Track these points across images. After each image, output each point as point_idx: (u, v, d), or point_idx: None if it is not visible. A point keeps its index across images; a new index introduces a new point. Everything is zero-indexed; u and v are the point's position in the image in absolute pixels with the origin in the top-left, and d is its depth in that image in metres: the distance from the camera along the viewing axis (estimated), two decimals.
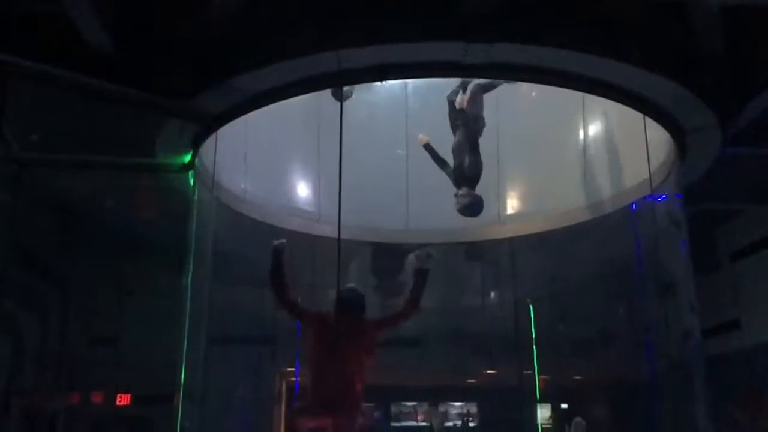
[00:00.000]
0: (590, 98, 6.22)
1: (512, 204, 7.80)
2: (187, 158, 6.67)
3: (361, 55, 5.22)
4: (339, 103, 5.96)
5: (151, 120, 6.19)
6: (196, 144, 6.46)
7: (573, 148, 7.47)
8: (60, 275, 9.93)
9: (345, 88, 6.00)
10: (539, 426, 8.78)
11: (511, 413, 9.44)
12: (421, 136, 6.42)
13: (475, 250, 8.33)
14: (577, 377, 9.87)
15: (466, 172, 6.12)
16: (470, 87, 6.19)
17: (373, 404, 10.71)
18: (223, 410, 7.99)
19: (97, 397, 10.00)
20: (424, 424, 10.75)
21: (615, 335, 8.61)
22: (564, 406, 10.07)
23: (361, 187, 7.13)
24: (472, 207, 6.13)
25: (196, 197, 6.90)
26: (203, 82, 5.64)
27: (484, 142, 6.26)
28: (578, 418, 6.05)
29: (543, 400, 8.93)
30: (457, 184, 6.22)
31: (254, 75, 5.47)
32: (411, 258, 5.46)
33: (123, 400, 9.96)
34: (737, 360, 9.40)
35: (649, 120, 6.02)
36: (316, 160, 7.23)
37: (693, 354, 6.76)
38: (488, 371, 10.20)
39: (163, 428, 8.90)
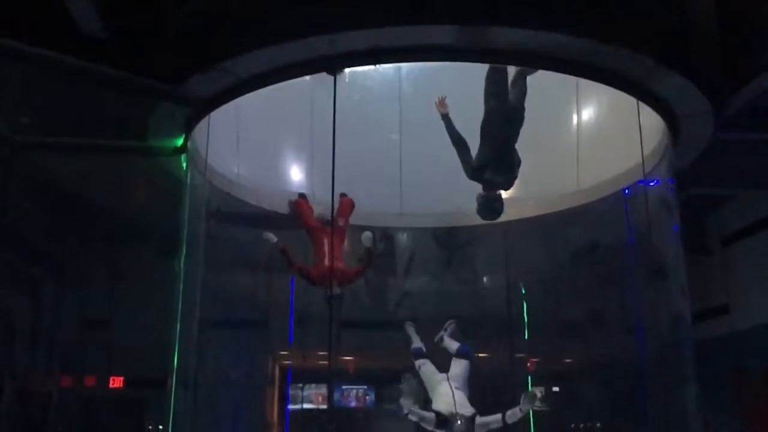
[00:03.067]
0: (584, 83, 6.21)
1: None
2: (180, 142, 6.65)
3: (355, 38, 5.20)
4: (333, 81, 5.90)
5: (143, 103, 6.15)
6: (188, 127, 6.43)
7: (566, 133, 7.47)
8: (52, 259, 9.92)
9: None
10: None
11: (502, 396, 9.50)
12: (441, 100, 5.71)
13: (469, 235, 8.36)
14: (568, 360, 9.94)
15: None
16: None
17: (364, 387, 10.77)
18: (216, 393, 8.02)
19: (89, 380, 10.02)
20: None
21: (606, 319, 8.67)
22: (555, 389, 10.14)
23: (355, 170, 7.13)
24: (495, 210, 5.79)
25: (188, 181, 6.88)
26: (195, 65, 5.61)
27: (478, 128, 6.24)
28: (532, 391, 6.07)
29: (534, 383, 8.99)
30: (476, 175, 5.67)
31: (246, 58, 5.44)
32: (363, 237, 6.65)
33: (116, 383, 9.99)
34: (726, 344, 9.48)
35: (642, 105, 6.03)
36: (309, 144, 7.20)
37: (682, 337, 6.82)
38: (480, 354, 10.25)
39: (156, 411, 8.95)
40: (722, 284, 9.62)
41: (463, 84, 6.38)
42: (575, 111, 7.25)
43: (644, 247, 7.07)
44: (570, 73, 5.78)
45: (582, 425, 10.21)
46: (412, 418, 5.86)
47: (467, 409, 5.89)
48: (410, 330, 6.97)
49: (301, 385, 10.43)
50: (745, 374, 9.38)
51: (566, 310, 8.99)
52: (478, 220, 6.24)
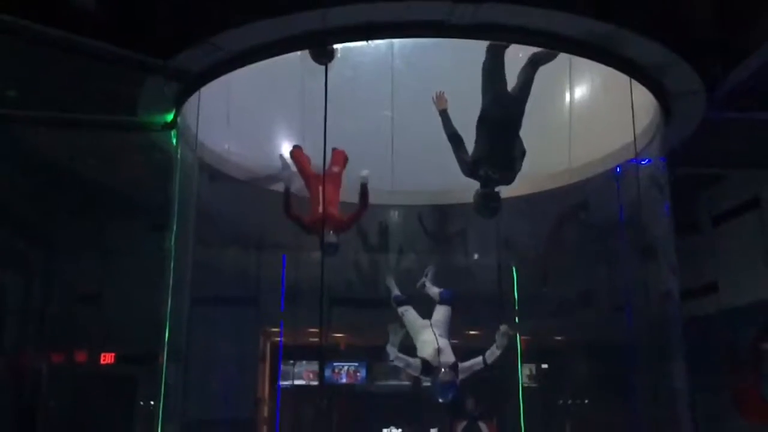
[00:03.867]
0: (576, 61, 6.18)
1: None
2: (170, 117, 6.60)
3: (347, 13, 5.15)
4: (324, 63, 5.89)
5: (132, 78, 6.09)
6: (178, 103, 6.38)
7: (559, 111, 7.45)
8: (42, 234, 9.87)
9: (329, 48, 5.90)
10: (521, 385, 8.92)
11: (493, 373, 9.58)
12: (440, 95, 5.65)
13: (461, 212, 8.36)
14: (558, 338, 10.02)
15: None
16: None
17: (356, 364, 10.83)
18: (208, 370, 8.05)
19: (80, 356, 10.02)
20: (406, 383, 10.89)
21: (596, 297, 8.73)
22: (545, 366, 10.23)
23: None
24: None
25: (178, 156, 6.84)
26: (185, 40, 5.55)
27: (470, 105, 6.21)
28: (504, 327, 6.15)
29: (525, 360, 9.07)
30: (472, 172, 5.51)
31: (237, 33, 5.39)
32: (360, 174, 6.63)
33: (107, 359, 10.00)
34: (714, 322, 9.56)
35: (634, 84, 6.01)
36: (301, 120, 7.17)
37: (671, 315, 6.87)
38: (471, 332, 10.31)
39: (147, 387, 8.98)
40: (711, 263, 9.68)
41: (456, 61, 6.36)
42: (568, 89, 7.23)
43: (635, 226, 7.10)
44: (563, 51, 5.76)
45: (570, 401, 10.33)
46: (399, 364, 5.98)
47: (450, 357, 5.96)
48: (391, 283, 6.99)
49: (292, 361, 10.48)
50: (733, 352, 9.47)
51: (556, 288, 9.05)
52: (468, 198, 6.24)
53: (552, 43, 5.59)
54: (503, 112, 5.53)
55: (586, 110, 7.25)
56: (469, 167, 5.50)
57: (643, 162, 6.84)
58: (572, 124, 7.34)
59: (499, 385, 9.22)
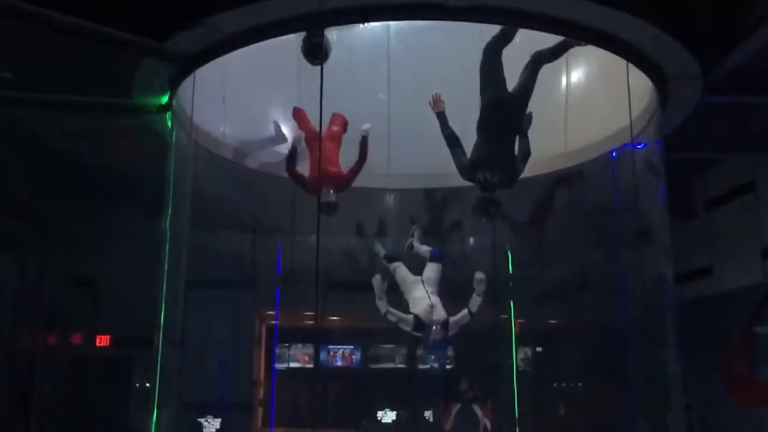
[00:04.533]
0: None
1: None
2: (164, 99, 6.57)
3: None
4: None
5: (127, 60, 6.06)
6: (173, 85, 6.35)
7: (555, 95, 7.44)
8: (37, 217, 9.84)
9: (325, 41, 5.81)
10: (515, 368, 8.97)
11: (487, 356, 9.63)
12: (437, 98, 5.65)
13: (455, 196, 8.36)
14: (553, 321, 10.06)
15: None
16: None
17: (351, 347, 10.87)
18: (203, 352, 8.08)
19: (76, 339, 10.03)
20: (401, 366, 10.94)
21: (591, 280, 8.76)
22: (539, 349, 10.29)
23: None
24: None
25: (173, 139, 6.82)
26: (180, 21, 5.51)
27: (466, 89, 6.19)
28: (479, 274, 6.19)
29: (519, 343, 9.11)
30: (470, 175, 5.41)
31: (233, 14, 5.35)
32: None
33: (102, 341, 10.01)
34: (708, 306, 9.62)
35: (631, 67, 6.00)
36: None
37: (665, 299, 6.91)
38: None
39: (143, 369, 9.00)
40: (705, 247, 9.72)
41: (452, 44, 6.33)
42: (564, 72, 7.22)
43: (630, 210, 7.11)
44: (560, 34, 5.74)
45: (564, 384, 10.40)
46: (391, 318, 5.99)
47: (442, 314, 6.02)
48: (378, 247, 6.99)
49: (287, 344, 10.52)
50: (726, 336, 9.54)
51: (551, 272, 9.08)
52: (464, 182, 6.24)
53: (548, 26, 5.57)
54: (503, 113, 5.39)
55: (583, 94, 7.25)
56: (468, 170, 5.39)
57: (639, 146, 6.85)
58: (568, 109, 7.34)
59: (494, 368, 9.28)
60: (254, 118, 7.56)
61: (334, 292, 8.53)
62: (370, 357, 10.96)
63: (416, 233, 6.99)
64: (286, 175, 7.09)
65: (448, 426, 8.81)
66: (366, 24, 5.84)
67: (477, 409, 8.72)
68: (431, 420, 10.31)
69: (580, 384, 10.17)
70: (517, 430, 9.03)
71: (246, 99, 7.05)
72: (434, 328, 5.90)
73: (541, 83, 7.22)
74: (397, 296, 6.35)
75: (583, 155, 7.42)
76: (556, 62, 6.73)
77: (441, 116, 5.51)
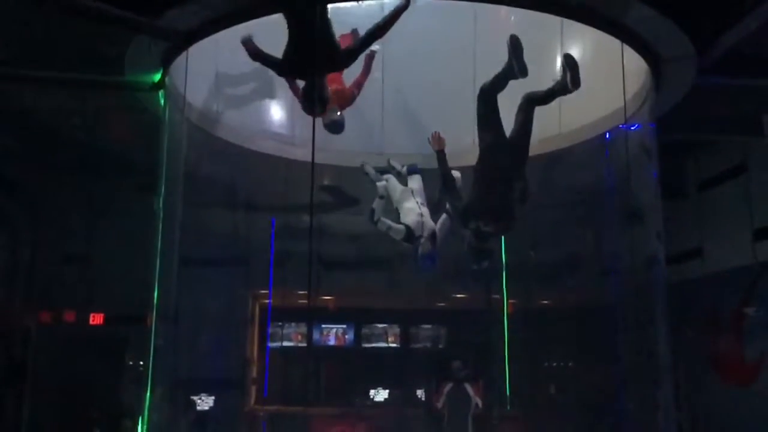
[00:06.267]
0: (568, 24, 6.14)
1: None
2: (157, 77, 6.52)
3: None
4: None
5: (119, 37, 6.01)
6: (166, 62, 6.30)
7: (550, 76, 7.42)
8: (29, 194, 9.81)
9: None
10: (506, 348, 9.03)
11: (479, 335, 9.70)
12: (436, 136, 5.51)
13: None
14: (545, 301, 10.13)
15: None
16: None
17: (344, 326, 10.93)
18: (197, 330, 8.10)
19: (69, 316, 10.04)
20: (394, 345, 11.02)
21: (582, 261, 8.80)
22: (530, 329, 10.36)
23: None
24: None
25: (166, 117, 6.79)
26: None
27: (461, 69, 6.16)
28: (456, 173, 6.09)
29: (511, 324, 9.16)
30: (464, 221, 5.16)
31: None
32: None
33: (96, 319, 10.02)
34: (698, 287, 9.70)
35: (626, 49, 5.99)
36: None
37: (656, 280, 6.95)
38: (458, 295, 10.41)
39: (136, 347, 9.03)
40: (696, 228, 9.77)
41: (446, 23, 6.30)
42: (559, 53, 7.19)
43: (622, 191, 7.13)
44: (554, 13, 5.72)
45: (554, 364, 10.49)
46: (381, 228, 5.92)
47: (430, 224, 5.98)
48: (368, 167, 6.85)
49: (280, 323, 10.56)
50: (715, 316, 9.62)
51: (544, 253, 9.11)
52: (459, 162, 6.23)
53: (543, 6, 5.54)
54: (501, 160, 5.14)
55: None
56: (461, 216, 5.22)
57: (632, 128, 6.85)
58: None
59: (485, 347, 9.35)
60: (248, 96, 7.51)
61: (327, 271, 8.56)
62: (363, 336, 11.02)
63: (390, 161, 6.90)
64: (279, 154, 7.08)
65: (439, 404, 8.89)
66: (360, 2, 5.79)
67: (468, 388, 8.80)
68: (423, 398, 10.40)
69: (570, 363, 10.26)
70: (508, 408, 9.12)
71: (239, 76, 6.99)
72: (423, 238, 5.84)
73: (537, 64, 7.23)
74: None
75: (577, 136, 7.41)
76: (551, 41, 6.74)
77: (440, 155, 5.40)
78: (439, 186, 5.65)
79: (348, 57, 5.22)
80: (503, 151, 5.12)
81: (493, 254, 5.47)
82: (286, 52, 5.04)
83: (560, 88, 5.23)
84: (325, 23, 5.01)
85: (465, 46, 6.20)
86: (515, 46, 5.02)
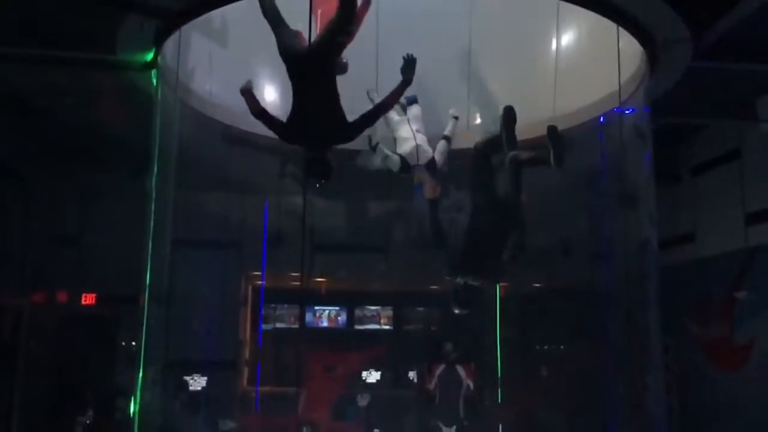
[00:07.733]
0: (563, 7, 6.10)
1: (482, 114, 7.75)
2: (149, 56, 6.46)
3: None
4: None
5: (110, 15, 5.94)
6: (158, 41, 6.24)
7: (544, 59, 7.39)
8: (20, 175, 9.75)
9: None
10: (498, 330, 9.07)
11: (471, 318, 9.72)
12: (433, 186, 5.63)
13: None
14: (537, 285, 10.15)
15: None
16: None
17: (337, 308, 10.94)
18: (190, 311, 8.10)
19: (62, 297, 10.03)
20: (387, 327, 11.04)
21: (575, 245, 8.82)
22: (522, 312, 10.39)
23: None
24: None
25: (159, 97, 6.73)
26: None
27: (455, 52, 6.10)
28: (452, 109, 6.08)
29: (503, 308, 9.19)
30: (452, 274, 5.21)
31: None
32: None
33: (88, 299, 10.02)
34: (690, 271, 9.74)
35: (621, 32, 5.97)
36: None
37: (648, 264, 6.97)
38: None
39: (129, 328, 9.03)
40: (689, 212, 9.80)
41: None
42: (554, 36, 7.16)
43: (616, 175, 7.13)
44: None
45: (546, 347, 10.54)
46: (378, 155, 5.86)
47: (428, 153, 5.93)
48: (374, 96, 6.80)
49: (273, 305, 10.57)
50: (707, 301, 9.68)
51: (536, 236, 9.11)
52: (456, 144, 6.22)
53: None
54: (492, 219, 5.20)
55: (572, 58, 7.20)
56: (449, 270, 5.22)
57: (627, 111, 6.84)
58: (558, 73, 7.29)
59: (477, 329, 9.38)
60: (242, 76, 7.45)
61: (320, 253, 8.56)
62: (356, 318, 11.04)
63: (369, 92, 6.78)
64: (273, 135, 7.03)
65: (431, 386, 8.95)
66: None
67: (460, 370, 8.86)
68: (415, 380, 10.45)
69: (562, 347, 10.31)
70: (500, 391, 9.17)
71: (234, 56, 6.93)
72: (418, 164, 5.77)
73: (531, 46, 7.20)
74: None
75: (571, 120, 7.39)
76: (546, 23, 6.71)
77: (432, 205, 5.46)
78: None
79: (353, 130, 4.92)
80: (494, 210, 5.15)
81: (476, 302, 5.46)
82: (291, 119, 4.81)
83: (543, 160, 5.19)
84: (333, 95, 4.78)
85: (461, 20, 6.15)
86: (555, 136, 4.97)
